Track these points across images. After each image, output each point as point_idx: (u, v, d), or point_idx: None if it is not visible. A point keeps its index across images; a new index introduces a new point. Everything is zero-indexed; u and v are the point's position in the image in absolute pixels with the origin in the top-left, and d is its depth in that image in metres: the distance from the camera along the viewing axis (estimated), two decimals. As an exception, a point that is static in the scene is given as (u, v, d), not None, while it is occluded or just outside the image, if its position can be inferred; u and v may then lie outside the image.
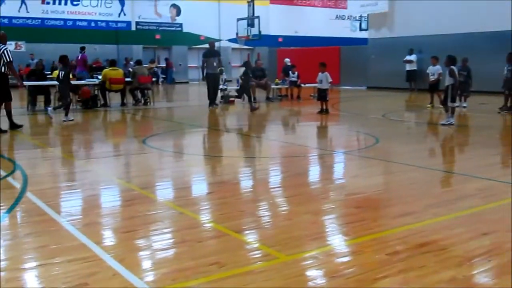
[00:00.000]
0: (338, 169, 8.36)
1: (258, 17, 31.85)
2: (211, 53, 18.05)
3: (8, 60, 11.43)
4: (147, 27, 35.79)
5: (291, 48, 34.80)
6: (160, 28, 36.38)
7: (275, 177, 7.58)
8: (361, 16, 40.05)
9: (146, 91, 18.54)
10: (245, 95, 17.55)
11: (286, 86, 21.11)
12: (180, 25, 37.06)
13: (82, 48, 23.07)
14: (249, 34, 32.24)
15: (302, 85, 20.57)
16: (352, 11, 32.56)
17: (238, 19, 33.02)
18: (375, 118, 14.84)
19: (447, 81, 12.35)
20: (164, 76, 35.23)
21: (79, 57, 22.28)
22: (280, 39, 40.19)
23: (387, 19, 26.60)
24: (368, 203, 5.88)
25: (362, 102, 21.04)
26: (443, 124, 12.46)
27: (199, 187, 6.86)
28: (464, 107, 16.36)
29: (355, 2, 28.64)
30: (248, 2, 33.20)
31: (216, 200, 6.10)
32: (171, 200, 6.12)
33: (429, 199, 5.94)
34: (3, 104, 11.78)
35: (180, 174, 7.67)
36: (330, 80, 15.50)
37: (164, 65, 35.70)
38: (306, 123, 14.40)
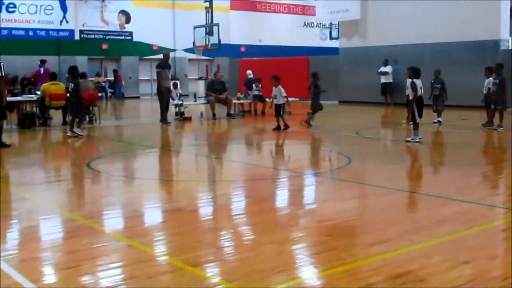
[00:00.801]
0: (307, 192, 8.42)
1: (217, 24, 31.99)
2: (166, 64, 18.09)
3: (0, 75, 12.16)
4: (92, 36, 35.56)
5: (255, 58, 35.01)
6: (107, 37, 36.18)
7: (237, 203, 7.60)
8: (331, 24, 40.68)
9: (91, 108, 18.40)
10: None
11: (249, 100, 21.22)
12: (130, 33, 36.93)
13: (43, 62, 22.94)
14: (207, 43, 32.33)
15: (267, 99, 20.69)
16: (321, 18, 32.80)
17: (195, 27, 33.09)
18: (348, 135, 15.02)
19: (411, 95, 12.65)
20: (112, 90, 34.98)
21: (42, 71, 22.14)
22: (242, 49, 40.42)
23: (359, 27, 26.99)
24: (340, 231, 5.94)
25: (333, 118, 21.26)
26: (407, 141, 12.86)
27: (152, 216, 6.83)
28: (439, 122, 16.57)
29: (324, 8, 28.92)
30: (206, 8, 33.35)
31: (171, 230, 6.08)
32: (119, 231, 6.07)
33: (405, 225, 6.04)
34: None
35: (129, 201, 7.62)
36: (285, 94, 15.81)
37: (112, 78, 35.46)
38: (272, 142, 14.48)
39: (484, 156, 12.02)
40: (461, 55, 22.83)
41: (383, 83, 25.50)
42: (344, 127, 17.85)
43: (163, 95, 17.80)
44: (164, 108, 17.82)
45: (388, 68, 25.23)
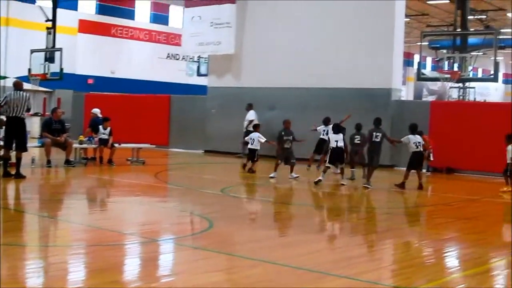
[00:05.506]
0: (155, 263, 8.47)
1: (60, 49, 31.70)
2: None
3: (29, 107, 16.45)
4: None
5: (105, 93, 34.75)
6: None
7: (73, 274, 7.53)
8: (199, 57, 41.21)
9: None
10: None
11: (94, 145, 20.93)
12: None
13: None
14: (46, 71, 31.88)
15: (116, 145, 20.59)
16: (187, 50, 32.48)
17: (32, 51, 32.59)
18: (211, 193, 15.19)
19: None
20: None
21: None
22: (90, 81, 40.06)
23: (232, 64, 27.28)
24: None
25: (196, 171, 21.45)
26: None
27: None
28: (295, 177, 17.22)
29: (192, 38, 28.71)
30: (47, 28, 32.95)
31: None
32: None
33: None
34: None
35: None
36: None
37: None
38: (120, 198, 14.41)
39: (376, 223, 12.52)
40: (352, 102, 23.51)
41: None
42: (207, 183, 18.05)
43: None
44: None
45: (250, 115, 24.79)
